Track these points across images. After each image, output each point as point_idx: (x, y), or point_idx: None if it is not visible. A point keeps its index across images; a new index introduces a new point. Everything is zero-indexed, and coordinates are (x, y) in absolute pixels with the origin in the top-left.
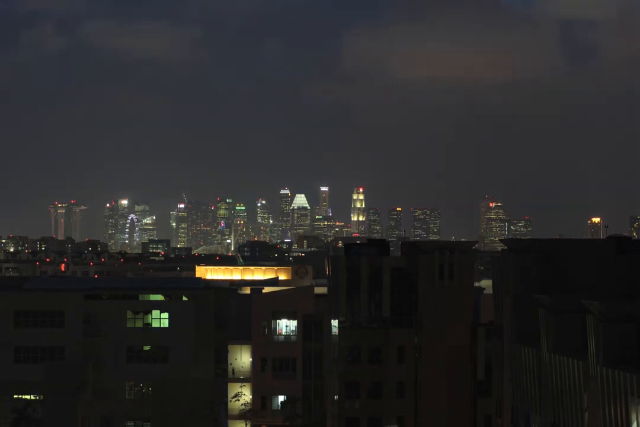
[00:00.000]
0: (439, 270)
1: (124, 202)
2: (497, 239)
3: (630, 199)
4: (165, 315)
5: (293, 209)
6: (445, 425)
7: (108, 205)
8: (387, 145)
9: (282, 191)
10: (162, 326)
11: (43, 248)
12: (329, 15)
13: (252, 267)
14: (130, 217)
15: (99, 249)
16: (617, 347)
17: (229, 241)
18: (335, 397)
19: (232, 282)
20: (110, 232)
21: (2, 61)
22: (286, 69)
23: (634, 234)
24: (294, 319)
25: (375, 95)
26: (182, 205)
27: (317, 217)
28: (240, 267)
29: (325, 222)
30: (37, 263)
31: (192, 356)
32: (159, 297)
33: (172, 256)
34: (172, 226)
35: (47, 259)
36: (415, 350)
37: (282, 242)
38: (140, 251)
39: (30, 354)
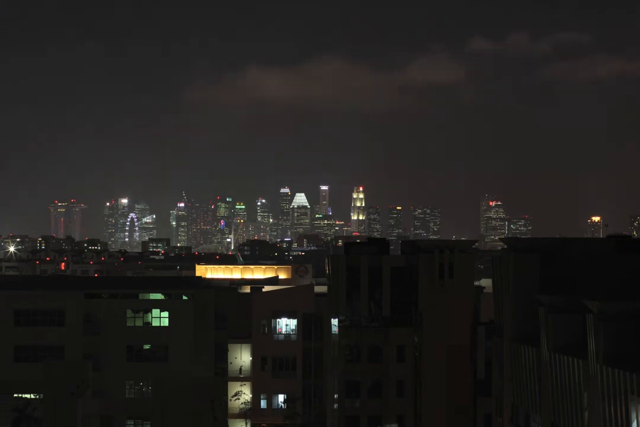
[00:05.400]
0: (439, 269)
1: (124, 201)
2: (497, 237)
3: (630, 198)
4: (165, 314)
5: (293, 208)
6: (445, 424)
7: (108, 204)
8: (387, 144)
9: (282, 190)
10: (162, 324)
11: (43, 247)
12: None
13: (252, 266)
14: (130, 216)
15: (99, 247)
16: (617, 346)
17: (228, 239)
18: (335, 396)
19: (232, 281)
20: (110, 231)
21: (4, 60)
22: None
23: (634, 233)
24: (294, 318)
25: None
26: (182, 204)
27: (317, 216)
28: (240, 266)
29: (325, 221)
30: (37, 262)
31: (192, 354)
32: (159, 296)
33: (172, 254)
34: (172, 224)
35: (47, 258)
36: (415, 349)
37: (282, 241)
38: (140, 250)
39: (31, 353)
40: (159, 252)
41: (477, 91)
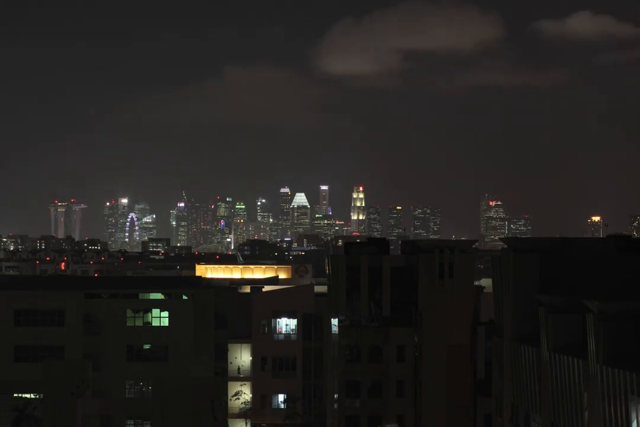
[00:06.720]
0: (439, 269)
1: (124, 200)
2: (497, 237)
3: (630, 198)
4: (165, 314)
5: (293, 207)
6: (445, 424)
7: (108, 204)
8: (387, 144)
9: (282, 190)
10: (162, 324)
11: (43, 247)
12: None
13: (252, 266)
14: (130, 216)
15: (99, 247)
16: (617, 346)
17: (228, 239)
18: (335, 396)
19: (232, 281)
20: (110, 231)
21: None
22: None
23: (634, 233)
24: (294, 317)
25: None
26: (182, 204)
27: (317, 215)
28: (240, 266)
29: (325, 221)
30: (37, 262)
31: (192, 354)
32: (159, 295)
33: (172, 254)
34: (172, 224)
35: (47, 258)
36: (415, 349)
37: (282, 241)
38: (140, 250)
39: (31, 353)
40: (159, 252)
41: (477, 91)
